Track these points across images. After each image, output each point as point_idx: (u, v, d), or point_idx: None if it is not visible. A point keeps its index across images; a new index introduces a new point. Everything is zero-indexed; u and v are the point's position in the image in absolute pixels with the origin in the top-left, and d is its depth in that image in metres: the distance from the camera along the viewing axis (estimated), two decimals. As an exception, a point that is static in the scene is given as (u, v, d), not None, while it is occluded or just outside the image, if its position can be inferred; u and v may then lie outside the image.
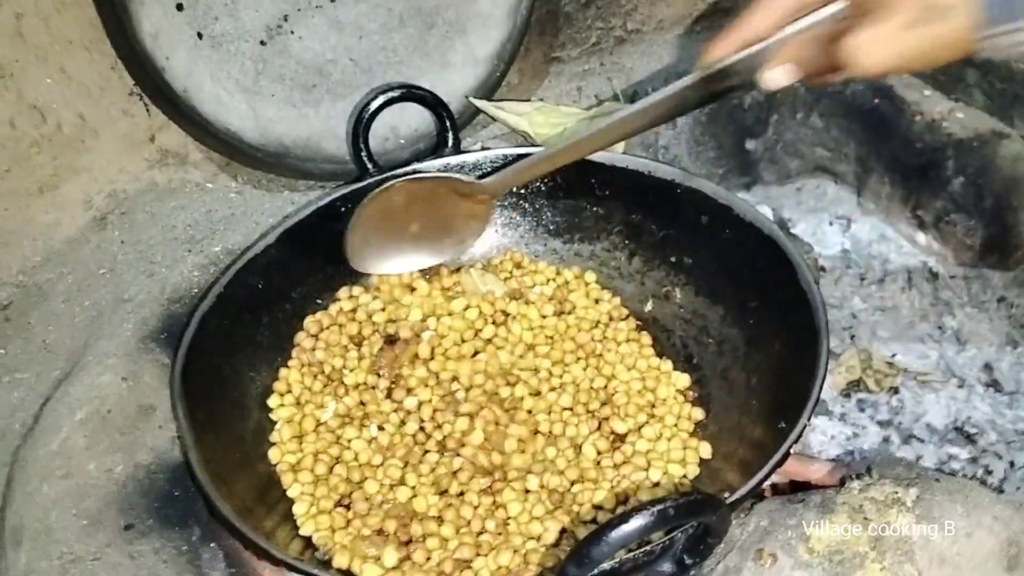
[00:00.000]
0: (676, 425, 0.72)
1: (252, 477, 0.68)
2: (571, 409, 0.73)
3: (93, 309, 0.83)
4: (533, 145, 0.95)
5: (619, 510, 0.65)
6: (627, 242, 0.84)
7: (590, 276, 0.84)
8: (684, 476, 0.68)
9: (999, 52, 0.50)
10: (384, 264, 0.81)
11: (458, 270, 0.84)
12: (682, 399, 0.74)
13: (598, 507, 0.66)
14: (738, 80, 0.59)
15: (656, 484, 0.67)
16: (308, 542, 0.66)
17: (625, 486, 0.67)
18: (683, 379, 0.76)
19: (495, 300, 0.81)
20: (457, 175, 0.80)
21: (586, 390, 0.74)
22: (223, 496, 0.61)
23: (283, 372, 0.76)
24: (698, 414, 0.73)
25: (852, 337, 0.92)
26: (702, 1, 1.12)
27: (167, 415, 0.70)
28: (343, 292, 0.81)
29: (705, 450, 0.70)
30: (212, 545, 0.65)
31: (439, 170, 0.84)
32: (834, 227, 1.05)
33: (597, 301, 0.82)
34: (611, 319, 0.81)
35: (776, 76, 0.56)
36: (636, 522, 0.47)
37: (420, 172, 0.82)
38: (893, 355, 0.89)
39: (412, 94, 0.85)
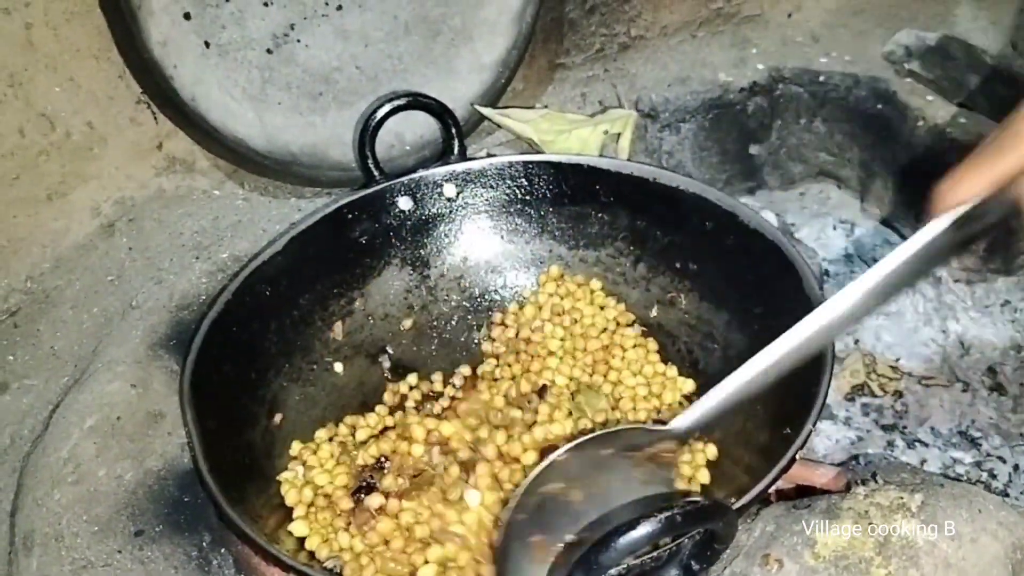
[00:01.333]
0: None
1: (261, 483, 0.69)
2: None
3: (101, 316, 0.84)
4: (538, 152, 0.95)
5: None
6: (632, 248, 0.84)
7: (596, 283, 0.84)
8: (695, 479, 0.68)
9: None
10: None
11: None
12: (688, 404, 0.75)
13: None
14: (996, 217, 0.49)
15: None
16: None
17: None
18: (688, 384, 0.76)
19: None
20: (634, 426, 0.67)
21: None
22: (232, 502, 0.61)
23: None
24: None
25: (856, 341, 0.92)
26: (705, 8, 1.13)
27: (176, 422, 0.71)
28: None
29: (712, 452, 0.70)
30: (222, 551, 0.65)
31: (445, 177, 0.85)
32: (838, 231, 1.05)
33: (603, 308, 0.82)
34: (618, 325, 0.81)
35: None
36: (644, 528, 0.47)
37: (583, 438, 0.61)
38: (897, 359, 0.90)
39: (418, 102, 0.85)
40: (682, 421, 0.58)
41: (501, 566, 0.56)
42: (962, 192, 0.49)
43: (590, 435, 0.60)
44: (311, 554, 0.65)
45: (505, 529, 0.56)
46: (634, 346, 0.79)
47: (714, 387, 0.57)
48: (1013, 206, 0.48)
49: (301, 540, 0.66)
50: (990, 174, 0.48)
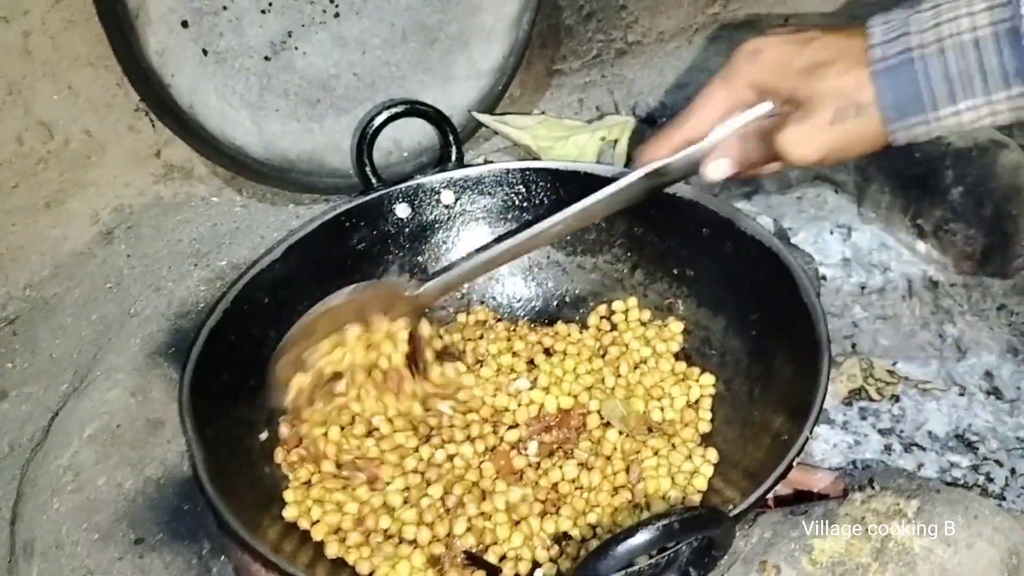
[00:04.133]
0: (684, 435, 0.73)
1: (260, 490, 0.69)
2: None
3: (100, 323, 0.84)
4: (535, 158, 0.95)
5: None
6: (629, 255, 0.84)
7: (632, 301, 0.84)
8: (692, 486, 0.68)
9: (918, 139, 0.54)
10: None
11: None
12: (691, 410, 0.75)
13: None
14: (677, 176, 0.64)
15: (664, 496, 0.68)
16: (316, 553, 0.66)
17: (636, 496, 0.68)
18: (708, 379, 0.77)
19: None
20: (386, 281, 0.80)
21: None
22: (232, 510, 0.62)
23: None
24: (705, 426, 0.73)
25: (853, 346, 0.92)
26: (702, 13, 1.13)
27: (176, 430, 0.71)
28: None
29: (712, 456, 0.71)
30: (222, 558, 0.65)
31: (443, 184, 0.85)
32: (834, 236, 1.05)
33: (644, 323, 0.82)
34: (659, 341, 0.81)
35: (715, 169, 0.60)
36: (642, 536, 0.48)
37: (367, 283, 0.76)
38: (894, 363, 0.90)
39: (416, 109, 0.86)
40: (427, 287, 0.73)
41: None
42: (653, 152, 0.62)
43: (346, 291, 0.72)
44: (310, 560, 0.65)
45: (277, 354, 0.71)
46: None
47: (457, 263, 0.77)
48: (694, 170, 0.61)
49: (300, 546, 0.66)
50: (672, 142, 0.61)
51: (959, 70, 0.51)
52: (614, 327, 0.82)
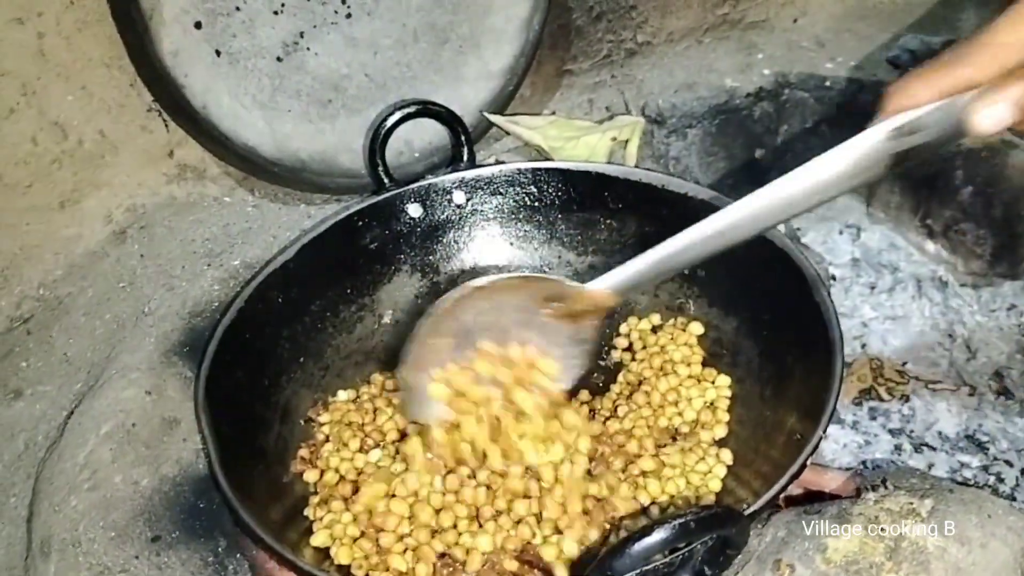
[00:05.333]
0: (700, 437, 0.73)
1: (276, 488, 0.69)
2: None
3: (114, 322, 0.85)
4: (547, 159, 0.96)
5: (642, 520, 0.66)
6: (641, 254, 0.84)
7: (633, 322, 0.84)
8: (707, 487, 0.68)
9: None
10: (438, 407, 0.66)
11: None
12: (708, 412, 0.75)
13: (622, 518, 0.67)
14: (936, 138, 0.48)
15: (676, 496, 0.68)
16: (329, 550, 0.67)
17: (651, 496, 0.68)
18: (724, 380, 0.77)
19: None
20: (554, 277, 0.69)
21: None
22: (248, 507, 0.62)
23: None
24: (721, 429, 0.73)
25: (863, 346, 0.92)
26: (711, 14, 1.13)
27: (191, 428, 0.71)
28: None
29: (727, 457, 0.71)
30: (237, 556, 0.66)
31: (454, 184, 0.85)
32: (844, 236, 1.06)
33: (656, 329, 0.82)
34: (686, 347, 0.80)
35: (988, 117, 0.45)
36: (658, 535, 0.48)
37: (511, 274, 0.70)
38: (904, 363, 0.90)
39: (428, 110, 0.86)
40: (598, 283, 0.60)
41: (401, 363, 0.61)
42: (909, 97, 0.48)
43: (504, 276, 0.63)
44: (324, 558, 0.66)
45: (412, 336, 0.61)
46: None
47: (637, 256, 0.60)
48: (956, 128, 0.47)
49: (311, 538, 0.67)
50: (940, 83, 0.47)
51: None
52: (632, 352, 0.81)
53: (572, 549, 0.62)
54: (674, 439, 0.73)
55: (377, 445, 0.72)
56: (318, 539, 0.65)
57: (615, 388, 0.78)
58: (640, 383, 0.77)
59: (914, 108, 0.47)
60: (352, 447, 0.72)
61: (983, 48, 0.46)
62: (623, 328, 0.83)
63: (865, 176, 0.50)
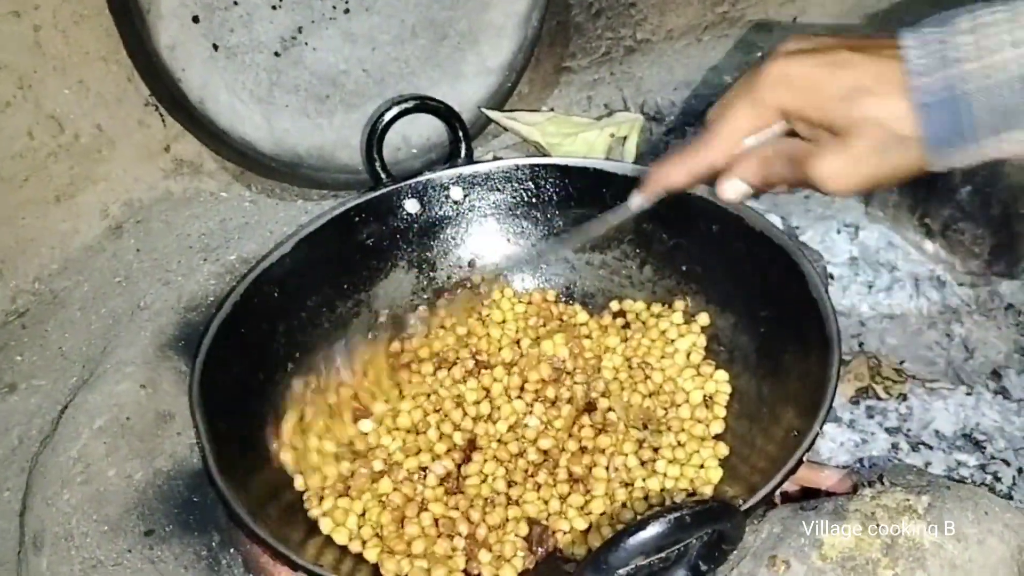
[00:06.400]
0: (695, 432, 0.73)
1: (270, 482, 0.69)
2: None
3: (109, 317, 0.84)
4: (544, 155, 0.95)
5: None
6: (638, 251, 0.84)
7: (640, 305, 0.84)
8: (704, 480, 0.68)
9: (954, 165, 0.52)
10: None
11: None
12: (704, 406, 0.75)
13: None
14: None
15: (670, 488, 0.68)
16: (324, 545, 0.67)
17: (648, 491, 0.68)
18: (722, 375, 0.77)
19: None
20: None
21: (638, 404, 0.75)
22: (242, 502, 0.62)
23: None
24: (718, 424, 0.73)
25: (861, 344, 0.92)
26: (711, 11, 1.13)
27: (186, 422, 0.71)
28: None
29: (722, 451, 0.71)
30: (231, 550, 0.66)
31: (452, 180, 0.85)
32: (842, 235, 1.05)
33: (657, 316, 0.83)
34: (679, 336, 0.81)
35: (731, 189, 0.58)
36: (653, 529, 0.48)
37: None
38: (901, 362, 0.90)
39: (425, 105, 0.86)
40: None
41: None
42: (667, 178, 0.60)
43: None
44: (318, 552, 0.65)
45: None
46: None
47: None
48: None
49: (310, 538, 0.67)
50: (689, 167, 0.58)
51: (1007, 104, 0.49)
52: (627, 325, 0.82)
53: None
54: (645, 426, 0.74)
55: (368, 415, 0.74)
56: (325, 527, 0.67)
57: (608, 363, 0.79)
58: (640, 366, 0.78)
59: (669, 188, 0.60)
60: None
61: (717, 137, 0.57)
62: (627, 304, 0.84)
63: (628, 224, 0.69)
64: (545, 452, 0.71)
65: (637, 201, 0.63)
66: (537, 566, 0.65)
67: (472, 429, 0.73)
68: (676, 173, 0.59)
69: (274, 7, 0.85)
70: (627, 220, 0.66)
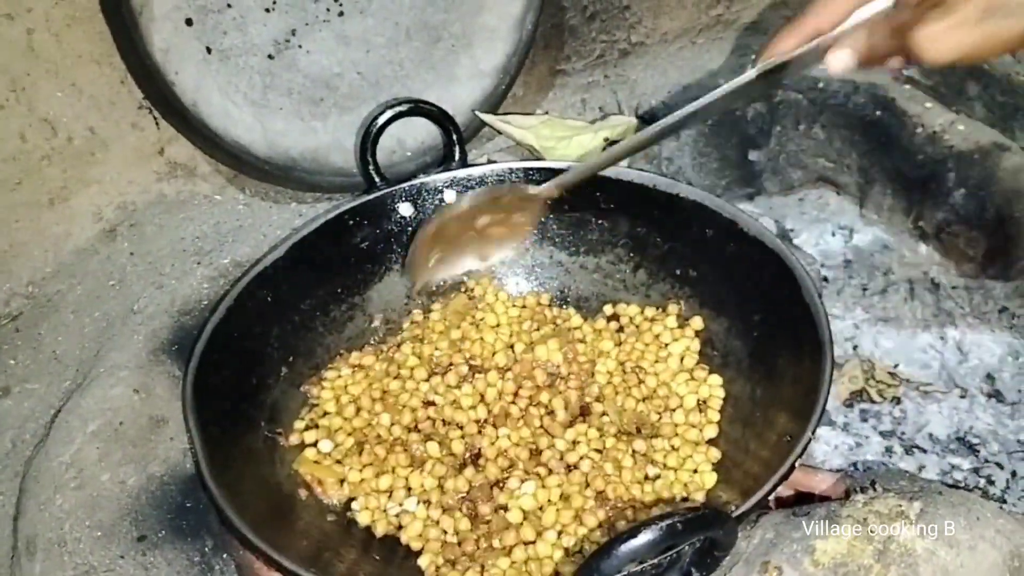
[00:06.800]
0: (688, 436, 0.73)
1: (263, 488, 0.69)
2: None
3: (103, 320, 0.84)
4: (538, 158, 0.95)
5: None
6: (632, 255, 0.84)
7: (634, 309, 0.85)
8: (697, 485, 0.68)
9: None
10: (438, 272, 0.79)
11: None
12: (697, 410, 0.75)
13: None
14: (798, 71, 0.62)
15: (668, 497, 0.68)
16: (317, 549, 0.66)
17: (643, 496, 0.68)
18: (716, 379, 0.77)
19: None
20: (518, 185, 0.82)
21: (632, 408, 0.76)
22: (235, 507, 0.62)
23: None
24: (712, 428, 0.73)
25: (855, 347, 0.92)
26: (705, 14, 1.13)
27: (179, 427, 0.71)
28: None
29: (714, 455, 0.71)
30: (224, 556, 0.66)
31: (446, 183, 0.85)
32: (836, 237, 1.06)
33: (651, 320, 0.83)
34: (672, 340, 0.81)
35: (839, 61, 0.58)
36: (645, 536, 0.48)
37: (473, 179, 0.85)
38: (895, 365, 0.90)
39: (419, 109, 0.86)
40: (547, 186, 0.74)
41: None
42: (780, 46, 0.61)
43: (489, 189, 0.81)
44: (312, 557, 0.65)
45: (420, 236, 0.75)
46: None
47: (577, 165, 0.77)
48: (819, 57, 0.60)
49: (302, 544, 0.66)
50: (799, 33, 0.60)
51: None
52: (621, 329, 0.83)
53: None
54: (638, 430, 0.74)
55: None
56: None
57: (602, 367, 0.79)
58: (634, 370, 0.78)
59: (783, 53, 0.61)
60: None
61: (826, 2, 0.59)
62: (621, 308, 0.84)
63: (746, 100, 0.71)
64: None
65: (753, 71, 0.63)
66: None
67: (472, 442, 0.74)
68: (787, 37, 0.60)
69: (268, 10, 0.85)
70: (719, 107, 0.66)
